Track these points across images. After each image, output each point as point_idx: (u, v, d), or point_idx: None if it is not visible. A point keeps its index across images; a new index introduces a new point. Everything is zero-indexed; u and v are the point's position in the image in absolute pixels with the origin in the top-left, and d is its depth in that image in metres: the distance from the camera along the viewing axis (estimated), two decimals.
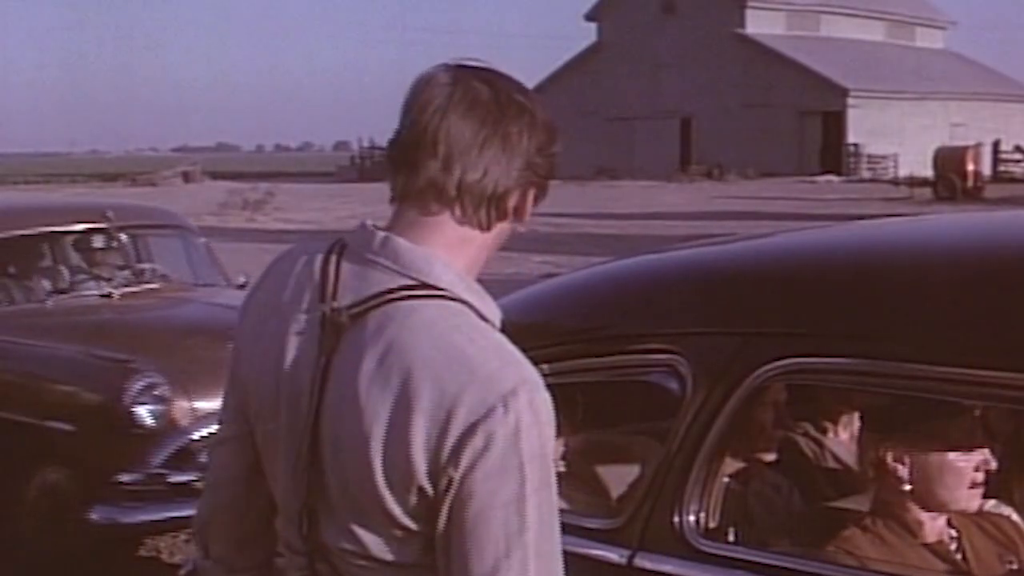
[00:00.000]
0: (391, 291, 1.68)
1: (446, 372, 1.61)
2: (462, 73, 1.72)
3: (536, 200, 1.79)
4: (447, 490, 1.61)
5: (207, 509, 1.98)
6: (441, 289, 1.68)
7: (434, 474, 1.61)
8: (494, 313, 1.74)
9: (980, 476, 2.39)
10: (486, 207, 1.73)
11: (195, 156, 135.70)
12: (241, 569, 1.96)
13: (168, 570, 5.82)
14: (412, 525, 1.66)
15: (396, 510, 1.65)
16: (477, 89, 1.70)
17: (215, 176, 60.15)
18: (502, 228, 1.78)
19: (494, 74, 1.74)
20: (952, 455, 2.38)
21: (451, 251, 1.73)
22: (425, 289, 1.68)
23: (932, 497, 2.41)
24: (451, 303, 1.68)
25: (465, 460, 1.59)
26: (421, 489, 1.63)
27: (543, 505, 1.62)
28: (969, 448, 2.38)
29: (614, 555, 2.40)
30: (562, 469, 2.92)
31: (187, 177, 57.78)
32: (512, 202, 1.75)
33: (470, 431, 1.59)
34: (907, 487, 2.40)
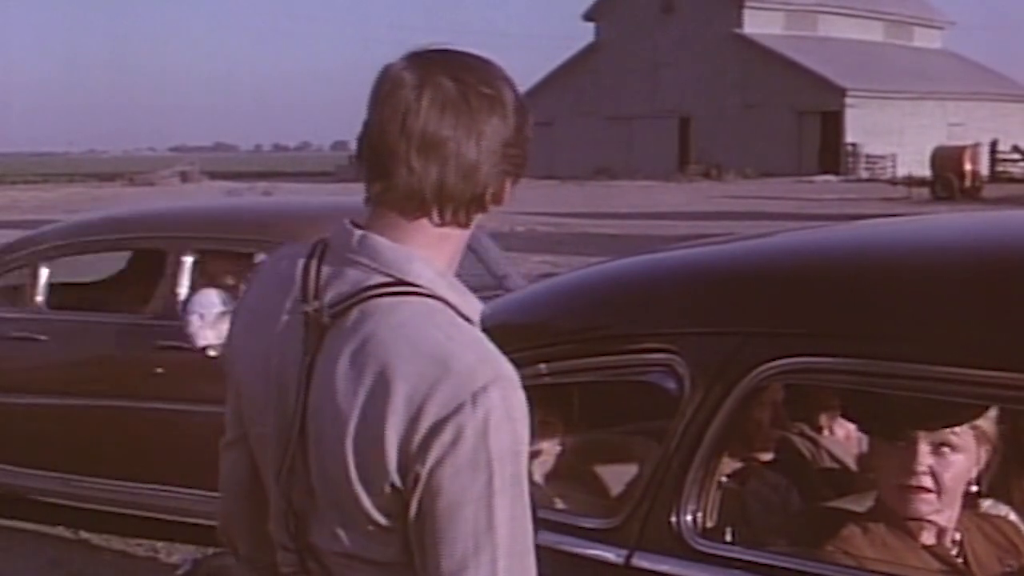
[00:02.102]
0: (370, 288, 1.68)
1: (420, 368, 1.61)
2: (428, 70, 1.69)
3: (513, 183, 1.77)
4: (415, 485, 1.61)
5: (224, 512, 2.01)
6: (419, 286, 1.68)
7: (404, 470, 1.61)
8: (474, 310, 1.74)
9: (913, 480, 2.33)
10: (466, 208, 1.72)
11: (193, 156, 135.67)
12: (264, 566, 1.96)
13: (166, 569, 5.82)
14: (388, 523, 1.66)
15: (371, 508, 1.66)
16: (445, 88, 1.68)
17: (213, 176, 60.11)
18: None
19: (459, 64, 1.72)
20: (883, 448, 2.37)
21: (431, 249, 1.72)
22: (404, 286, 1.68)
23: (881, 491, 2.40)
24: (429, 300, 1.68)
25: (433, 455, 1.59)
26: (394, 486, 1.63)
27: (514, 503, 1.62)
28: (893, 443, 2.36)
29: (611, 555, 2.39)
30: (548, 467, 2.93)
31: (185, 177, 57.74)
32: (490, 195, 1.74)
33: (439, 426, 1.59)
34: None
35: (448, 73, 1.69)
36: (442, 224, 1.72)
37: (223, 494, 2.01)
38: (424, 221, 1.72)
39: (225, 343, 1.91)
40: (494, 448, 1.59)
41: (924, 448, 2.33)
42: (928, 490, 2.34)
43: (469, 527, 1.59)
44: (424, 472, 1.59)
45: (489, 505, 1.59)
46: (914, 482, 2.33)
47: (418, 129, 1.67)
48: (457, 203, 1.71)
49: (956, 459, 2.34)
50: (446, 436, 1.58)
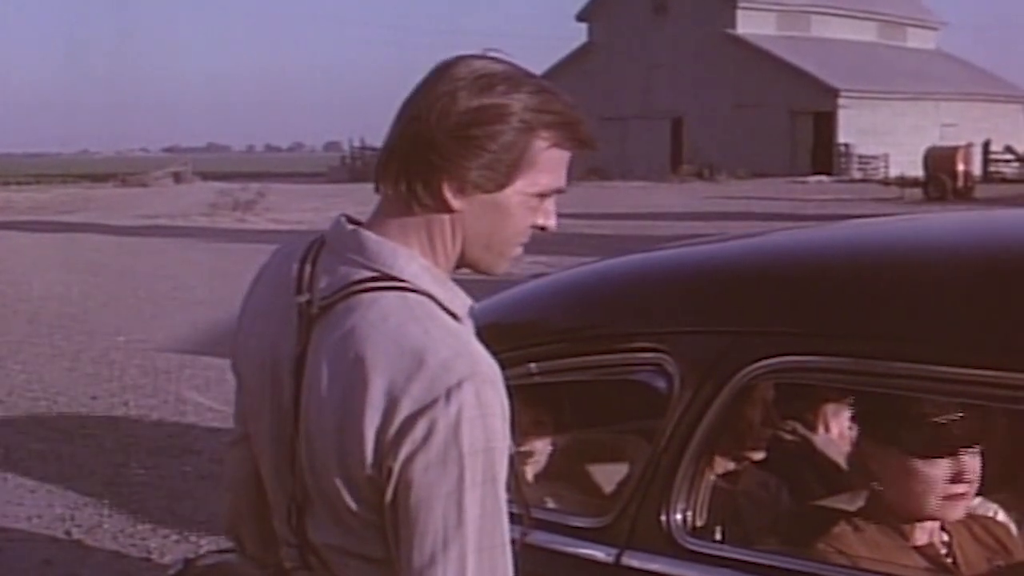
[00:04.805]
0: (356, 283, 1.69)
1: (396, 361, 1.62)
2: (444, 60, 1.74)
3: (488, 187, 1.71)
4: (388, 480, 1.62)
5: (230, 509, 2.03)
6: (403, 280, 1.69)
7: (379, 463, 1.62)
8: (461, 306, 1.74)
9: (959, 488, 2.33)
10: (408, 171, 1.70)
11: (185, 156, 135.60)
12: (271, 564, 1.98)
13: (160, 569, 5.82)
14: (369, 516, 1.67)
15: (351, 501, 1.67)
16: (433, 70, 1.73)
17: (205, 176, 60.04)
18: (453, 218, 1.73)
19: (475, 55, 1.74)
20: (917, 462, 2.34)
21: (405, 239, 1.73)
22: (387, 280, 1.69)
23: (903, 504, 2.38)
24: (412, 294, 1.69)
25: (405, 450, 1.60)
26: (372, 480, 1.64)
27: (486, 499, 1.62)
28: (934, 456, 2.33)
29: (601, 553, 2.40)
30: (539, 466, 2.94)
31: (178, 177, 57.74)
32: (448, 176, 1.70)
33: (412, 421, 1.60)
34: (879, 487, 2.40)
35: (452, 59, 1.73)
36: (402, 208, 1.72)
37: (230, 492, 2.03)
38: (393, 209, 1.73)
39: (232, 341, 1.93)
40: (466, 444, 1.60)
41: (965, 457, 2.33)
42: (970, 495, 2.37)
43: (439, 522, 1.59)
44: (397, 466, 1.60)
45: (459, 501, 1.59)
46: (962, 490, 2.34)
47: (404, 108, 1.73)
48: (400, 163, 1.70)
49: (978, 458, 2.36)
50: (418, 431, 1.59)
